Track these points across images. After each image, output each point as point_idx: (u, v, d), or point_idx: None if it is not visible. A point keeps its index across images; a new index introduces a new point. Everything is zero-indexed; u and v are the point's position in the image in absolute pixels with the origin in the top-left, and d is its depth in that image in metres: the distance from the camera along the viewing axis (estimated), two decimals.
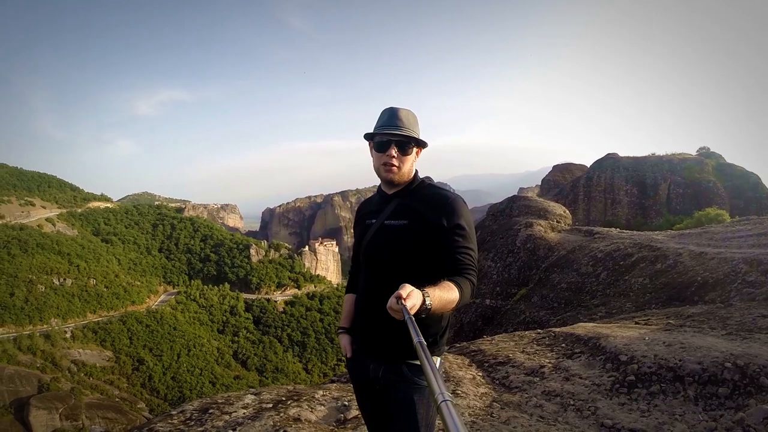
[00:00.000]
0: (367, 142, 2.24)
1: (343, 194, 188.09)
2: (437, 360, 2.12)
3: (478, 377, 5.45)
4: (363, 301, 2.29)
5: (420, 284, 1.71)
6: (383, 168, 2.16)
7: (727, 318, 6.31)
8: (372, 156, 2.22)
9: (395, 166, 2.14)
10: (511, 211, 21.02)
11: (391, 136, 2.11)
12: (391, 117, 2.13)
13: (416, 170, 2.28)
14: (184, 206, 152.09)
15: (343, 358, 2.50)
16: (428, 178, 2.31)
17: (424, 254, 2.06)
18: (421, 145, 2.20)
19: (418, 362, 2.01)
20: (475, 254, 2.05)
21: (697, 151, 49.99)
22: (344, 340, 2.36)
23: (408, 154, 2.15)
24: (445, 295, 1.75)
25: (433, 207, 2.09)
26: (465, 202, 2.15)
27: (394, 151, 2.12)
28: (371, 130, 2.19)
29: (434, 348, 2.12)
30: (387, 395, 2.11)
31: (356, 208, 2.53)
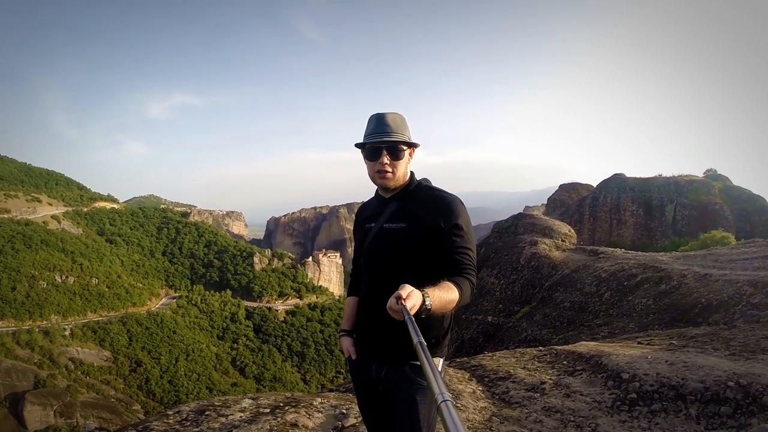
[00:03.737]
0: (360, 151, 2.25)
1: (349, 206, 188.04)
2: (440, 361, 2.12)
3: (478, 391, 5.42)
4: (364, 303, 2.30)
5: (420, 285, 1.72)
6: (377, 175, 2.18)
7: (731, 339, 6.26)
8: (366, 164, 2.24)
9: (389, 172, 2.16)
10: (516, 229, 20.99)
11: (381, 143, 2.12)
12: (378, 123, 2.14)
13: (412, 172, 2.29)
14: (189, 211, 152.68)
15: (345, 364, 2.49)
16: (425, 179, 2.33)
17: (424, 255, 2.08)
18: (412, 146, 2.21)
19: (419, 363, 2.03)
20: (474, 254, 2.06)
21: (704, 173, 50.04)
22: (346, 342, 2.37)
23: (400, 159, 2.16)
24: (445, 295, 1.77)
25: (430, 208, 2.10)
26: (462, 203, 2.16)
27: (386, 158, 2.13)
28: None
29: (436, 349, 2.12)
30: (389, 396, 2.12)
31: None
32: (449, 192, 2.20)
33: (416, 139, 2.21)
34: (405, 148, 2.17)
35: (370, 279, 2.26)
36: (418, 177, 2.32)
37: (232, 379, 77.27)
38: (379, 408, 2.20)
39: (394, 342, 2.05)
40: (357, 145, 2.23)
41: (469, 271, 1.97)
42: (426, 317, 1.70)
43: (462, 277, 1.92)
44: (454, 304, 1.82)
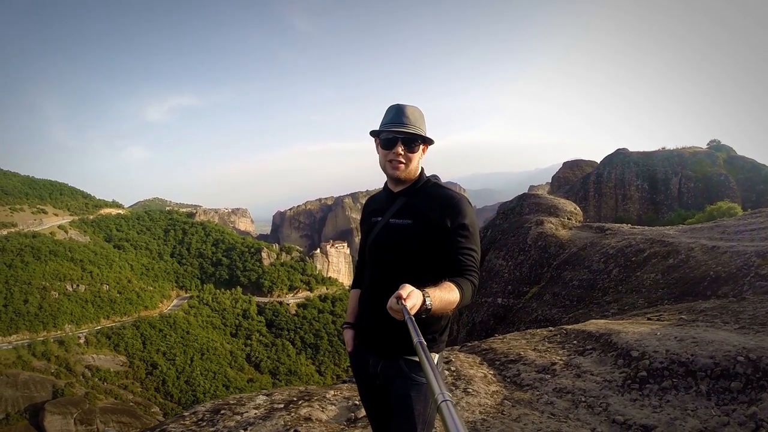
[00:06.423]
0: (374, 139, 2.25)
1: (354, 196, 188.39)
2: (436, 357, 2.13)
3: (489, 375, 5.44)
4: (366, 297, 2.33)
5: (422, 283, 1.73)
6: (389, 165, 2.17)
7: (740, 312, 6.22)
8: (378, 153, 2.23)
9: (402, 163, 2.14)
10: (521, 209, 20.93)
11: (398, 134, 2.11)
12: (397, 114, 2.13)
13: (422, 168, 2.28)
14: (195, 211, 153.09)
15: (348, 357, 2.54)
16: (434, 176, 2.32)
17: (428, 254, 2.08)
18: (427, 142, 2.20)
19: (415, 358, 2.05)
20: (478, 255, 2.06)
21: (708, 144, 49.52)
22: (348, 335, 2.41)
23: (414, 152, 2.15)
24: (446, 295, 1.76)
25: (437, 207, 2.10)
26: (470, 203, 2.16)
27: (400, 148, 2.12)
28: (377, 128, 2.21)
29: (433, 345, 2.14)
30: (386, 390, 2.14)
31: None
32: (457, 192, 2.19)
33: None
34: (420, 142, 2.16)
35: (373, 273, 2.27)
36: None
37: (247, 375, 77.79)
38: (377, 400, 2.24)
39: (391, 336, 2.08)
40: (372, 133, 2.23)
41: (471, 272, 1.97)
42: (425, 317, 1.71)
43: (464, 278, 1.92)
44: (455, 305, 1.82)
